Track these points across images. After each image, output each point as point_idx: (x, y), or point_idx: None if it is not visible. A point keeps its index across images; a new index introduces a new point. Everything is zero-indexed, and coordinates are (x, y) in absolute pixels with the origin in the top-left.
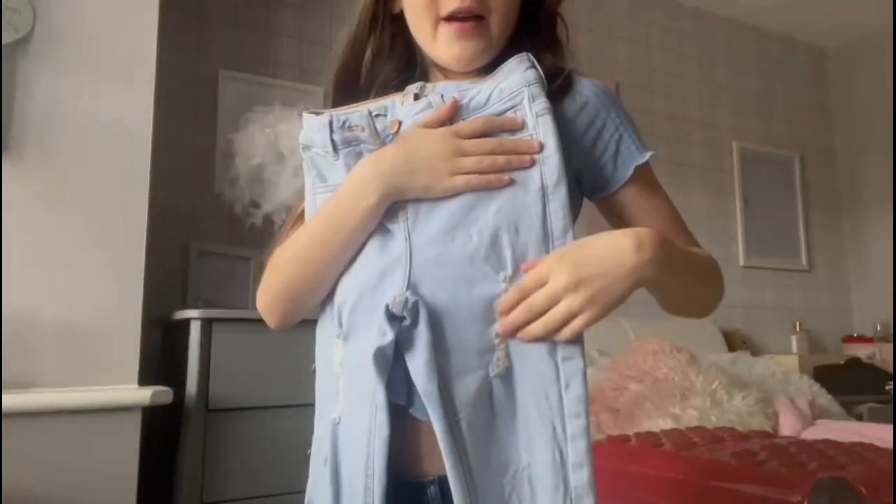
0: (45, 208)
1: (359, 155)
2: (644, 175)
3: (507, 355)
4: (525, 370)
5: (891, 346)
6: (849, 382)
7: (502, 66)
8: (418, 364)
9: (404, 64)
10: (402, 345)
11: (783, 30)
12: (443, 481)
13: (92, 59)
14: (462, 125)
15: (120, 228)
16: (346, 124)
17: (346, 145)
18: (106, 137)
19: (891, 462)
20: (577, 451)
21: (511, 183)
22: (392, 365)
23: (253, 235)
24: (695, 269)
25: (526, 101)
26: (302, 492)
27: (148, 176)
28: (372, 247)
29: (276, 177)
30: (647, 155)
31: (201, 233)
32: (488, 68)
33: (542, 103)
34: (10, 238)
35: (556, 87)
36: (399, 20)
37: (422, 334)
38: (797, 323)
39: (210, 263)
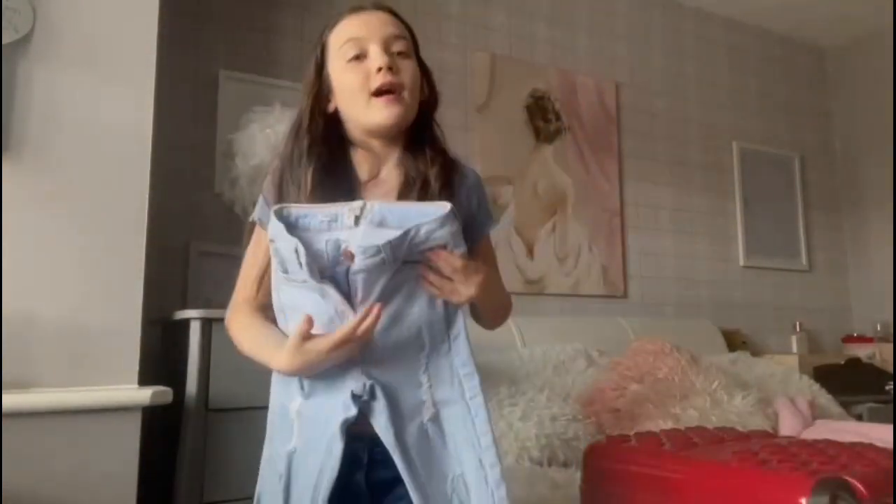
0: (45, 208)
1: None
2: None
3: (434, 404)
4: (447, 411)
5: (891, 346)
6: (849, 382)
7: (429, 206)
8: (381, 423)
9: (333, 147)
10: (363, 409)
11: (783, 30)
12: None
13: (92, 59)
14: (327, 343)
15: (120, 228)
16: (308, 251)
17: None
18: (106, 137)
19: (891, 462)
20: (490, 456)
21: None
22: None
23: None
24: (498, 295)
25: (451, 245)
26: None
27: (148, 176)
28: (327, 329)
29: None
30: (495, 224)
31: (201, 233)
32: (405, 133)
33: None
34: (10, 238)
35: (450, 175)
36: (330, 117)
37: (380, 404)
38: (797, 323)
39: (210, 263)
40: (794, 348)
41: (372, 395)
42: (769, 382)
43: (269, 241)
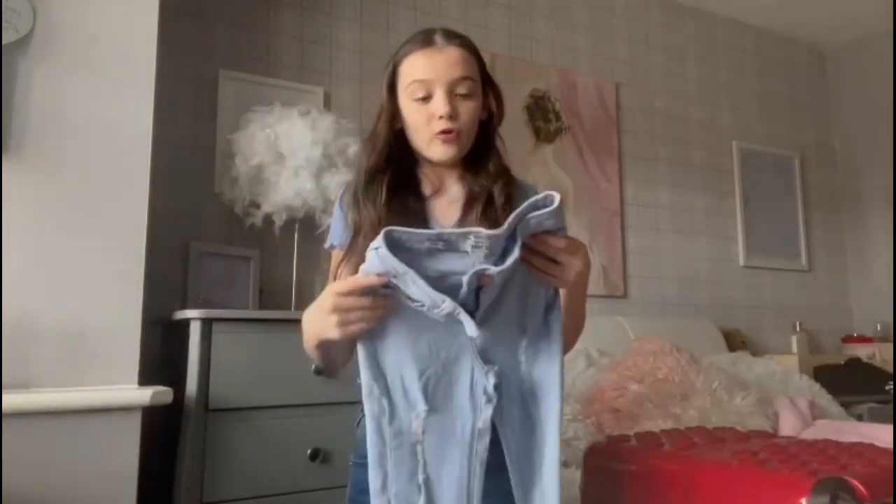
0: (45, 208)
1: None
2: None
3: (525, 393)
4: (539, 403)
5: (891, 346)
6: (849, 382)
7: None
8: (512, 414)
9: (402, 163)
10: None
11: (783, 30)
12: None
13: (92, 59)
14: (339, 285)
15: (120, 228)
16: (438, 285)
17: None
18: (106, 137)
19: (891, 462)
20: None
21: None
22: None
23: (253, 235)
24: (584, 296)
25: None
26: (302, 492)
27: (148, 176)
28: (440, 332)
29: (276, 177)
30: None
31: (201, 233)
32: (462, 160)
33: None
34: (10, 238)
35: (511, 190)
36: (399, 133)
37: (503, 395)
38: (797, 323)
39: (210, 263)
40: (794, 348)
41: (500, 395)
42: (769, 382)
43: (387, 275)
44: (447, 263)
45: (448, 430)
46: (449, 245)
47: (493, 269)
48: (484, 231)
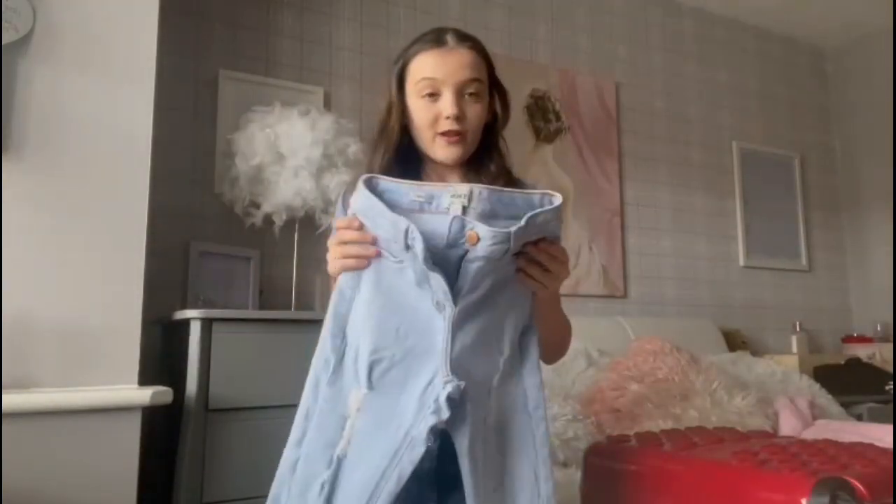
0: (45, 208)
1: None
2: None
3: (498, 411)
4: (510, 419)
5: (891, 346)
6: (849, 382)
7: (532, 194)
8: (460, 428)
9: (407, 158)
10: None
11: (783, 30)
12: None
13: (92, 59)
14: (339, 221)
15: (120, 228)
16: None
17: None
18: (106, 137)
19: (891, 462)
20: (545, 470)
21: (364, 267)
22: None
23: (253, 235)
24: (560, 311)
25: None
26: None
27: (148, 176)
28: (415, 322)
29: (276, 177)
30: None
31: (201, 233)
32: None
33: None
34: (10, 238)
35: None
36: (405, 129)
37: (468, 410)
38: (797, 323)
39: (210, 263)
40: (794, 348)
41: (462, 401)
42: (769, 382)
43: (357, 214)
44: (430, 224)
45: (384, 421)
46: (430, 198)
47: (482, 228)
48: (467, 185)
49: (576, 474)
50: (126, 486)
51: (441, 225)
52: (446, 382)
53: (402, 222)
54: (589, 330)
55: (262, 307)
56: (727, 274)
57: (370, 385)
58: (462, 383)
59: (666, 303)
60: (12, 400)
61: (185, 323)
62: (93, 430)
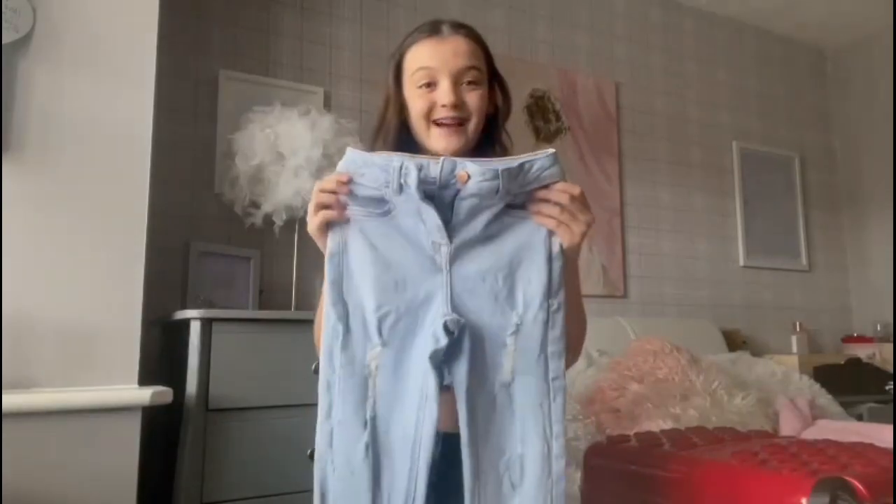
0: (45, 208)
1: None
2: None
3: (512, 371)
4: (525, 384)
5: (891, 346)
6: (849, 382)
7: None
8: (459, 374)
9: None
10: (447, 352)
11: (783, 30)
12: (447, 437)
13: (92, 59)
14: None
15: (120, 228)
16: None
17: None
18: (106, 137)
19: (891, 462)
20: (558, 446)
21: (341, 218)
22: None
23: (253, 235)
24: (579, 295)
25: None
26: (302, 492)
27: (148, 176)
28: (411, 271)
29: (276, 177)
30: None
31: (201, 233)
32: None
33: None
34: (10, 238)
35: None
36: (404, 120)
37: (465, 346)
38: (797, 323)
39: (210, 263)
40: (794, 348)
41: (461, 335)
42: (769, 382)
43: (344, 173)
44: (422, 166)
45: (403, 371)
46: (420, 166)
47: (472, 166)
48: (461, 161)
49: (576, 474)
50: (126, 486)
51: (433, 168)
52: (445, 316)
53: (396, 160)
54: (589, 330)
55: (262, 307)
56: (727, 274)
57: (382, 341)
58: (460, 318)
59: (666, 303)
60: (12, 400)
61: (185, 323)
62: (93, 430)
